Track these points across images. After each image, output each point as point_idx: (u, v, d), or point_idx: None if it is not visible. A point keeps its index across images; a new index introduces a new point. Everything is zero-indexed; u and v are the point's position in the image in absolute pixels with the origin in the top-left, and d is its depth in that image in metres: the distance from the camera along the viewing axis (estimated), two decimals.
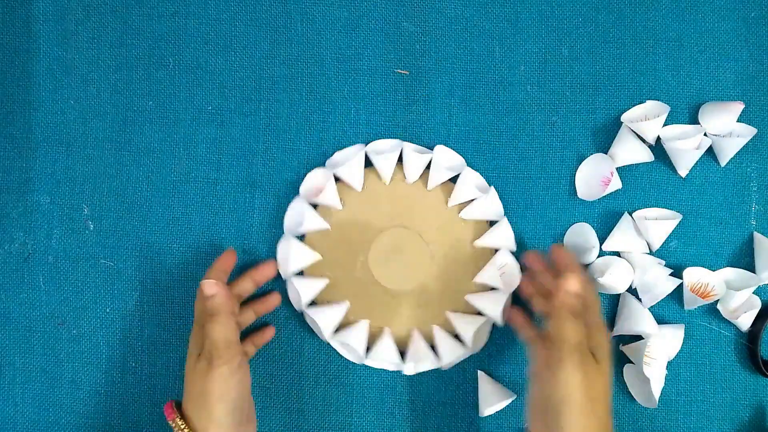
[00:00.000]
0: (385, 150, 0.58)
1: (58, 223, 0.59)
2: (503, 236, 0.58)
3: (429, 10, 0.60)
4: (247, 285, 0.56)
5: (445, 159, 0.58)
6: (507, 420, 0.59)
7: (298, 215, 0.57)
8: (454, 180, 0.59)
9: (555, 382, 0.46)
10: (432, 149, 0.58)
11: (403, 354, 0.57)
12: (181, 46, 0.60)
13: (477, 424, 0.58)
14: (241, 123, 0.60)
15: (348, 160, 0.57)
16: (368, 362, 0.57)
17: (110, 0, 0.60)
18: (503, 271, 0.57)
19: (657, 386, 0.56)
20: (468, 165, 0.59)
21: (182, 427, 0.48)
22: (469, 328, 0.56)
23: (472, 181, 0.58)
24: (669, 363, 0.58)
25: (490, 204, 0.58)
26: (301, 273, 0.58)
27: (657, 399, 0.56)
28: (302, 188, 0.58)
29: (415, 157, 0.57)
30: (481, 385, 0.58)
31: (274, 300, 0.58)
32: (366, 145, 0.59)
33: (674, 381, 0.59)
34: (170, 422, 0.49)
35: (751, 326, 0.58)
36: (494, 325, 0.58)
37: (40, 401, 0.59)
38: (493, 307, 0.56)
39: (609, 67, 0.60)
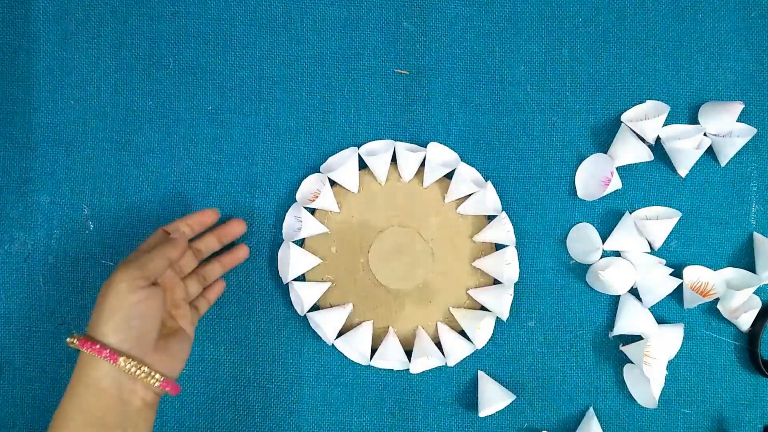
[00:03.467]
0: (378, 150, 0.59)
1: (58, 223, 0.59)
2: (503, 230, 0.58)
3: (429, 10, 0.60)
4: (211, 241, 0.55)
5: (439, 155, 0.58)
6: (507, 420, 0.59)
7: (296, 221, 0.57)
8: (449, 176, 0.59)
9: None
10: (425, 147, 0.58)
11: (408, 353, 0.58)
12: (181, 46, 0.60)
13: (477, 424, 0.58)
14: (241, 123, 0.60)
15: (342, 164, 0.57)
16: (374, 363, 0.57)
17: (110, 0, 0.60)
18: (509, 264, 0.57)
19: (657, 386, 0.56)
20: (468, 165, 0.59)
21: (74, 340, 0.45)
22: (473, 323, 0.56)
23: (467, 176, 0.58)
24: (669, 363, 0.58)
25: (487, 198, 0.58)
26: (302, 278, 0.58)
27: (657, 399, 0.56)
28: (298, 194, 0.58)
29: (409, 155, 0.57)
30: (481, 385, 0.58)
31: (241, 253, 0.57)
32: (359, 147, 0.59)
33: (674, 381, 0.59)
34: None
35: (751, 326, 0.58)
36: (497, 320, 0.58)
37: (40, 401, 0.59)
38: (497, 302, 0.56)
39: (609, 67, 0.60)
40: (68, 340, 0.45)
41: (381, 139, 0.59)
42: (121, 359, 0.43)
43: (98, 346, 0.43)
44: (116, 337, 0.44)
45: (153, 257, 0.47)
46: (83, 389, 0.44)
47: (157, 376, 0.45)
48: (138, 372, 0.44)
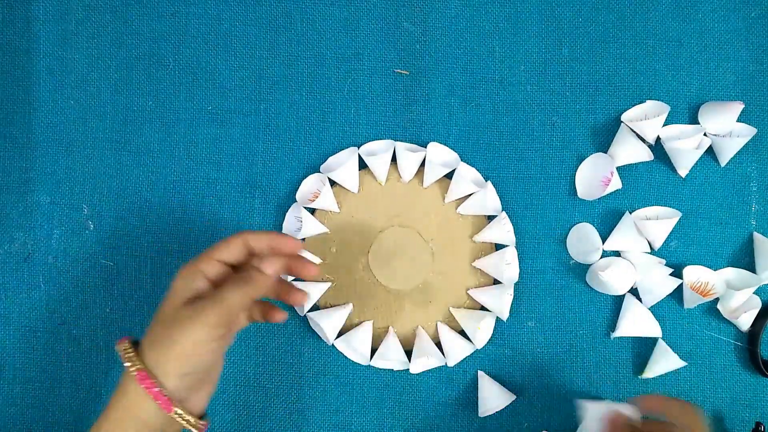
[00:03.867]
0: (378, 151, 0.59)
1: (58, 223, 0.59)
2: (503, 230, 0.58)
3: (429, 10, 0.60)
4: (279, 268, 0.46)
5: (439, 155, 0.58)
6: (507, 420, 0.59)
7: (296, 221, 0.57)
8: (449, 176, 0.59)
9: None
10: (426, 147, 0.58)
11: (408, 353, 0.58)
12: (181, 46, 0.60)
13: (477, 424, 0.58)
14: (241, 123, 0.60)
15: (342, 164, 0.57)
16: (374, 363, 0.57)
17: (110, 0, 0.60)
18: (509, 264, 0.57)
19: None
20: (468, 165, 0.59)
21: (129, 352, 0.40)
22: (473, 323, 0.56)
23: (467, 176, 0.58)
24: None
25: (487, 198, 0.58)
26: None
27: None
28: (298, 195, 0.58)
29: (409, 155, 0.57)
30: (481, 385, 0.58)
31: (298, 297, 0.47)
32: (359, 147, 0.59)
33: (674, 381, 0.59)
34: (118, 346, 0.41)
35: (751, 326, 0.58)
36: (497, 320, 0.58)
37: (40, 401, 0.59)
38: (497, 302, 0.56)
39: (609, 67, 0.60)
40: (124, 351, 0.40)
41: (381, 139, 0.59)
42: (175, 410, 0.40)
43: (157, 390, 0.39)
44: (176, 382, 0.39)
45: (236, 299, 0.40)
46: (129, 419, 0.40)
47: (200, 424, 0.42)
48: (184, 422, 0.41)
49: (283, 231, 0.58)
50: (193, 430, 0.41)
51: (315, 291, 0.57)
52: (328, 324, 0.56)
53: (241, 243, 0.43)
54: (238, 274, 0.42)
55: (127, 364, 0.40)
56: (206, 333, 0.39)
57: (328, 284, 0.58)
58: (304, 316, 0.58)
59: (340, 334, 0.58)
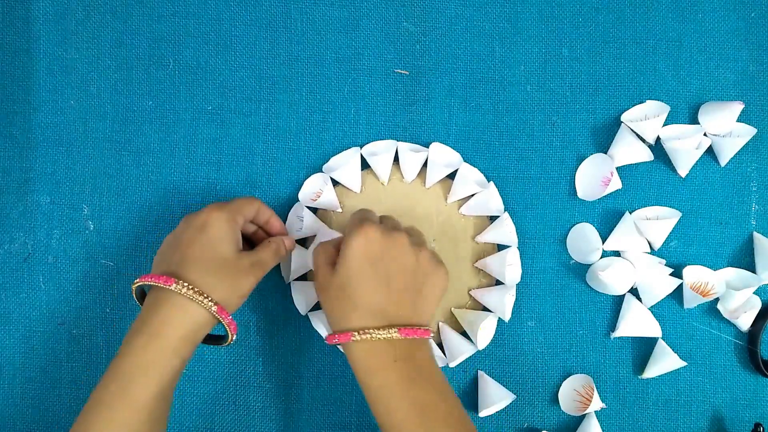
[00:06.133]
0: (380, 151, 0.59)
1: (58, 223, 0.59)
2: (505, 231, 0.58)
3: (429, 10, 0.60)
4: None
5: (442, 156, 0.58)
6: (507, 420, 0.59)
7: (298, 220, 0.57)
8: (452, 176, 0.59)
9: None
10: (427, 147, 0.58)
11: None
12: (181, 46, 0.60)
13: (477, 424, 0.58)
14: (241, 123, 0.60)
15: (344, 164, 0.57)
16: None
17: (110, 0, 0.60)
18: (511, 265, 0.57)
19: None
20: (470, 165, 0.59)
21: (191, 289, 0.46)
22: (475, 324, 0.56)
23: (470, 176, 0.58)
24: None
25: (489, 199, 0.58)
26: (304, 277, 0.58)
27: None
28: (301, 194, 0.58)
29: (411, 155, 0.57)
30: (481, 385, 0.58)
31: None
32: (361, 147, 0.59)
33: (674, 381, 0.59)
34: (178, 285, 0.46)
35: (751, 326, 0.58)
36: (499, 321, 0.58)
37: (40, 401, 0.59)
38: (499, 302, 0.56)
39: (609, 67, 0.60)
40: (191, 290, 0.46)
41: (381, 139, 0.59)
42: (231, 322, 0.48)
43: (230, 318, 0.48)
44: (234, 309, 0.49)
45: (272, 263, 0.52)
46: (174, 331, 0.46)
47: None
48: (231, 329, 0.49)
49: None
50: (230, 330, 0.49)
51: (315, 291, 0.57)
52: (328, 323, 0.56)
53: (256, 209, 0.53)
54: (270, 243, 0.52)
55: (203, 299, 0.46)
56: (255, 283, 0.50)
57: None
58: (305, 315, 0.58)
59: None
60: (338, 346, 0.49)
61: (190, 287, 0.46)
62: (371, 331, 0.45)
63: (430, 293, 0.49)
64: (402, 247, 0.48)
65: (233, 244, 0.49)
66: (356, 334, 0.45)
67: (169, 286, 0.46)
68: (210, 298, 0.46)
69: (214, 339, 0.52)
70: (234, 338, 0.50)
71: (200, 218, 0.49)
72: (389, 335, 0.45)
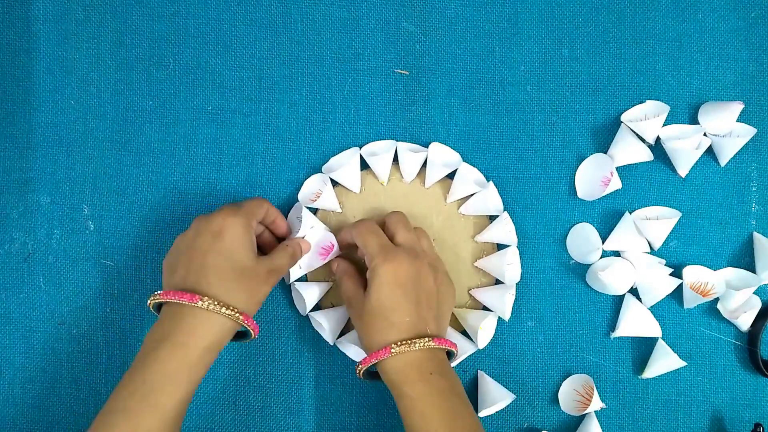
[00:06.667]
0: (379, 151, 0.59)
1: (58, 223, 0.59)
2: (505, 230, 0.58)
3: (429, 10, 0.60)
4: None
5: (441, 156, 0.58)
6: (507, 420, 0.59)
7: (298, 221, 0.57)
8: (451, 176, 0.59)
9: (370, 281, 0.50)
10: (427, 147, 0.58)
11: None
12: (181, 46, 0.60)
13: None
14: (241, 123, 0.60)
15: (344, 164, 0.57)
16: None
17: (110, 0, 0.60)
18: (511, 264, 0.57)
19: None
20: (470, 165, 0.59)
21: (214, 303, 0.46)
22: (475, 323, 0.56)
23: (469, 176, 0.58)
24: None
25: (489, 198, 0.58)
26: (304, 278, 0.58)
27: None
28: (300, 194, 0.58)
29: (411, 156, 0.57)
30: (481, 385, 0.58)
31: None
32: (360, 147, 0.59)
33: (674, 381, 0.59)
34: (202, 302, 0.46)
35: (751, 326, 0.58)
36: (499, 321, 0.58)
37: (40, 401, 0.59)
38: (499, 302, 0.56)
39: (609, 67, 0.60)
40: (216, 304, 0.47)
41: (381, 139, 0.59)
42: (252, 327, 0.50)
43: (255, 324, 0.50)
44: (254, 312, 0.50)
45: (287, 268, 0.54)
46: (200, 342, 0.47)
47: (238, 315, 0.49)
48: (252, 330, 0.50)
49: None
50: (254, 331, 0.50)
51: (317, 291, 0.57)
52: (329, 324, 0.56)
53: (266, 210, 0.54)
54: (285, 248, 0.53)
55: (229, 312, 0.47)
56: (270, 288, 0.51)
57: (330, 284, 0.58)
58: (306, 315, 0.58)
59: (341, 334, 0.57)
60: (373, 365, 0.50)
61: (216, 302, 0.46)
62: (409, 342, 0.48)
63: (446, 310, 0.53)
64: (425, 272, 0.51)
65: (250, 250, 0.50)
66: (394, 346, 0.48)
67: (195, 303, 0.46)
68: (235, 309, 0.47)
69: (237, 336, 0.52)
70: (256, 336, 0.51)
71: (215, 224, 0.49)
72: (426, 345, 0.48)
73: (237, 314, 0.47)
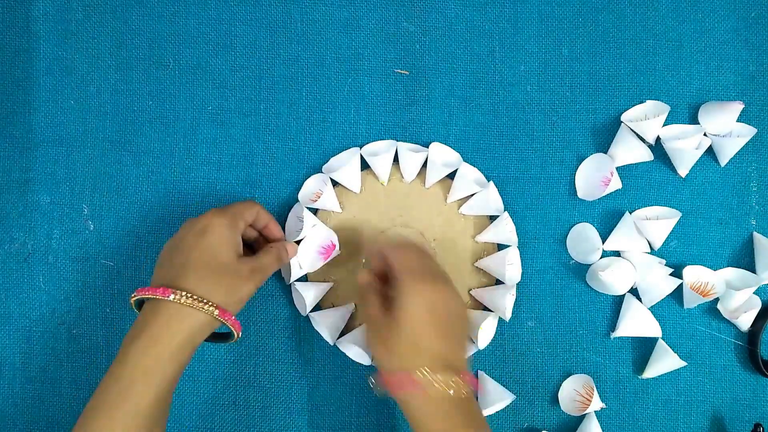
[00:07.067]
0: (380, 151, 0.59)
1: (58, 223, 0.59)
2: (505, 230, 0.58)
3: (429, 10, 0.60)
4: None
5: (441, 156, 0.58)
6: (507, 420, 0.59)
7: (298, 221, 0.57)
8: (451, 176, 0.59)
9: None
10: (427, 147, 0.58)
11: None
12: (181, 46, 0.60)
13: None
14: (241, 123, 0.60)
15: (344, 164, 0.57)
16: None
17: (110, 0, 0.60)
18: (511, 264, 0.57)
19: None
20: (470, 165, 0.59)
21: (191, 297, 0.46)
22: (475, 324, 0.56)
23: (469, 176, 0.58)
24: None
25: (489, 198, 0.57)
26: (304, 278, 0.58)
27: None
28: (301, 194, 0.58)
29: (411, 155, 0.57)
30: (481, 386, 0.58)
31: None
32: (360, 147, 0.59)
33: (674, 381, 0.59)
34: (177, 296, 0.46)
35: (751, 326, 0.58)
36: (499, 321, 0.58)
37: (40, 401, 0.59)
38: (499, 302, 0.56)
39: (609, 67, 0.60)
40: (192, 299, 0.47)
41: (381, 139, 0.59)
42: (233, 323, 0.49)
43: (233, 319, 0.49)
44: (236, 311, 0.50)
45: (273, 269, 0.53)
46: (173, 335, 0.46)
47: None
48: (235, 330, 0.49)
49: (286, 231, 0.58)
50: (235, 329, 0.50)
51: (317, 291, 0.57)
52: (329, 324, 0.56)
53: (256, 213, 0.54)
54: (271, 249, 0.53)
55: (202, 305, 0.47)
56: (254, 289, 0.51)
57: (330, 284, 0.58)
58: (306, 315, 0.58)
59: (341, 334, 0.57)
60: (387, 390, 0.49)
61: (189, 295, 0.46)
62: (437, 379, 0.46)
63: (467, 335, 0.52)
64: (452, 296, 0.49)
65: (233, 249, 0.50)
66: (420, 375, 0.46)
67: (167, 297, 0.46)
68: (210, 303, 0.47)
69: (219, 337, 0.52)
70: (239, 335, 0.50)
71: (200, 223, 0.50)
72: (452, 385, 0.46)
73: (212, 308, 0.47)
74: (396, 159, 0.59)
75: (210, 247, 0.49)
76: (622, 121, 0.59)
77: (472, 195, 0.58)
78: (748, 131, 0.58)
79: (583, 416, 0.58)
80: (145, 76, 0.60)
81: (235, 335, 0.50)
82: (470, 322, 0.53)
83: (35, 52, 0.60)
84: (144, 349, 0.46)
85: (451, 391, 0.46)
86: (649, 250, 0.58)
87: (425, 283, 0.48)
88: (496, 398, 0.57)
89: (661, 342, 0.58)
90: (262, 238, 0.56)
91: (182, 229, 0.51)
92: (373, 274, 0.53)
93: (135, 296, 0.48)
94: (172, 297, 0.46)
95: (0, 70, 0.60)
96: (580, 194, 0.59)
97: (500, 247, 0.59)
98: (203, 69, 0.60)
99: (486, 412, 0.56)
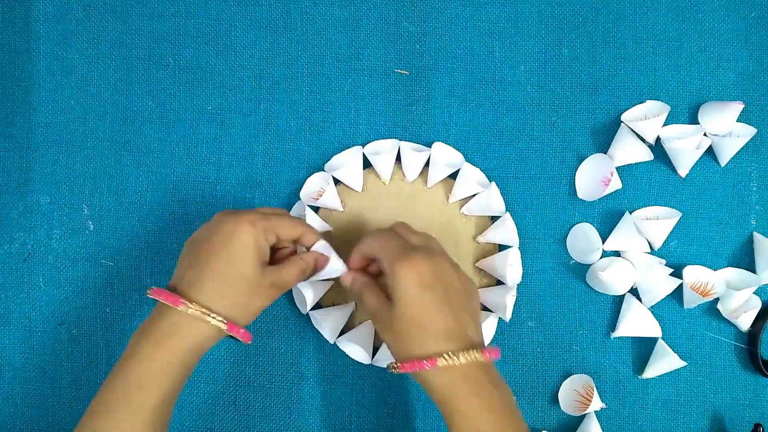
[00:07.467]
0: (382, 150, 0.59)
1: (58, 223, 0.59)
2: (506, 231, 0.58)
3: (429, 10, 0.60)
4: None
5: (444, 155, 0.58)
6: None
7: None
8: (453, 176, 0.59)
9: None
10: (430, 147, 0.58)
11: None
12: (181, 46, 0.60)
13: None
14: (241, 123, 0.60)
15: (346, 162, 0.57)
16: (375, 362, 0.57)
17: (110, 0, 0.60)
18: (512, 265, 0.57)
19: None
20: (472, 165, 0.59)
21: (198, 307, 0.46)
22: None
23: (471, 176, 0.58)
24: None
25: (491, 199, 0.57)
26: None
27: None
28: (302, 192, 0.58)
29: (413, 155, 0.57)
30: None
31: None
32: (363, 146, 0.59)
33: (674, 381, 0.59)
34: (183, 307, 0.45)
35: (751, 326, 0.58)
36: (500, 321, 0.58)
37: (40, 401, 0.59)
38: (500, 302, 0.56)
39: (609, 67, 0.60)
40: (202, 311, 0.46)
41: (381, 139, 0.59)
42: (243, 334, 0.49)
43: (243, 331, 0.48)
44: (248, 323, 0.49)
45: (295, 282, 0.51)
46: (179, 347, 0.46)
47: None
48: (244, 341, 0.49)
49: None
50: (244, 341, 0.49)
51: (317, 289, 0.57)
52: (329, 323, 0.56)
53: (299, 234, 0.51)
54: (298, 261, 0.51)
55: (212, 319, 0.46)
56: (270, 302, 0.50)
57: (331, 283, 0.58)
58: (306, 314, 0.58)
59: (341, 333, 0.57)
60: (408, 373, 0.47)
61: (198, 308, 0.45)
62: (454, 354, 0.44)
63: (477, 306, 0.50)
64: (448, 268, 0.47)
65: (258, 260, 0.48)
66: (440, 360, 0.44)
67: (177, 307, 0.45)
68: (220, 318, 0.46)
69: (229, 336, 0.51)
70: (251, 340, 0.50)
71: (230, 226, 0.47)
72: (474, 358, 0.45)
73: (221, 323, 0.46)
74: (398, 158, 0.59)
75: (233, 256, 0.47)
76: (622, 121, 0.59)
77: (474, 195, 0.58)
78: (748, 131, 0.58)
79: (583, 416, 0.58)
80: (145, 76, 0.60)
81: (244, 343, 0.49)
82: (475, 291, 0.49)
83: (35, 52, 0.60)
84: (151, 352, 0.45)
85: (471, 359, 0.44)
86: (649, 250, 0.58)
87: (409, 260, 0.46)
88: None
89: (661, 342, 0.58)
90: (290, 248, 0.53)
91: (209, 227, 0.49)
92: (361, 272, 0.51)
93: (150, 294, 0.47)
94: (181, 308, 0.45)
95: (0, 70, 0.60)
96: (580, 194, 0.59)
97: (501, 247, 0.59)
98: (203, 69, 0.60)
99: None
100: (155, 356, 0.45)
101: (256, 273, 0.47)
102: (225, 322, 0.46)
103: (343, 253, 0.58)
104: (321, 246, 0.52)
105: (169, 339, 0.46)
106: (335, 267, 0.52)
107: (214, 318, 0.46)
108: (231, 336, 0.49)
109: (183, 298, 0.46)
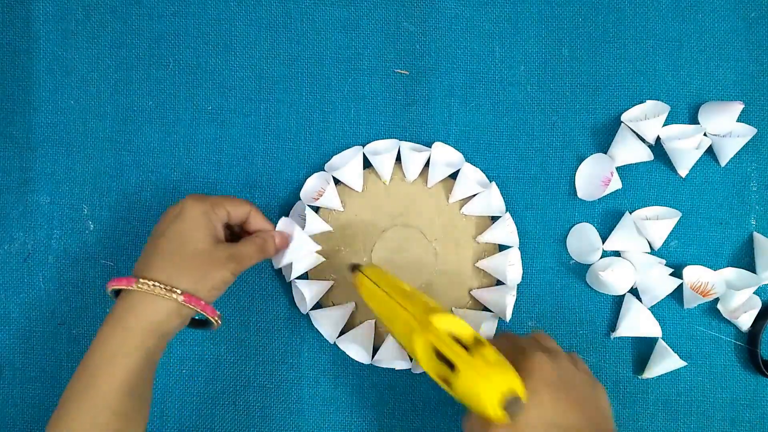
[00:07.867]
0: (382, 150, 0.59)
1: (58, 223, 0.59)
2: (506, 231, 0.58)
3: (429, 10, 0.60)
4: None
5: (444, 155, 0.58)
6: None
7: (300, 219, 0.57)
8: (453, 176, 0.59)
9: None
10: (430, 147, 0.58)
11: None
12: (181, 46, 0.60)
13: None
14: (241, 123, 0.60)
15: (346, 162, 0.57)
16: (376, 362, 0.57)
17: (110, 0, 0.60)
18: (512, 265, 0.57)
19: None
20: (472, 165, 0.59)
21: (154, 284, 0.46)
22: (475, 324, 0.56)
23: (472, 176, 0.58)
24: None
25: (491, 199, 0.57)
26: (305, 276, 0.58)
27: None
28: (302, 192, 0.58)
29: (414, 155, 0.57)
30: None
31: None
32: (363, 146, 0.59)
33: (674, 381, 0.59)
34: (139, 284, 0.46)
35: (751, 326, 0.58)
36: (499, 321, 0.58)
37: (40, 401, 0.59)
38: (500, 303, 0.56)
39: (609, 67, 0.60)
40: (156, 287, 0.46)
41: (381, 139, 0.59)
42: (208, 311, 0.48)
43: (203, 303, 0.47)
44: (208, 297, 0.48)
45: (254, 260, 0.51)
46: (144, 326, 0.46)
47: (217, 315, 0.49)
48: (213, 319, 0.49)
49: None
50: (214, 318, 0.49)
51: (317, 289, 0.57)
52: (329, 323, 0.56)
53: (247, 212, 0.52)
54: (254, 238, 0.52)
55: (165, 292, 0.46)
56: (230, 276, 0.49)
57: (331, 282, 0.58)
58: (306, 314, 0.58)
59: (341, 333, 0.57)
60: None
61: (152, 283, 0.46)
62: None
63: (607, 409, 0.45)
64: (571, 368, 0.45)
65: (209, 234, 0.48)
66: None
67: (131, 286, 0.46)
68: (174, 290, 0.46)
69: (201, 324, 0.51)
70: (219, 323, 0.49)
71: (176, 209, 0.49)
72: None
73: (177, 295, 0.46)
74: (398, 158, 0.59)
75: (181, 233, 0.48)
76: (622, 121, 0.59)
77: (474, 195, 0.58)
78: (748, 131, 0.58)
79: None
80: (145, 76, 0.60)
81: (214, 323, 0.49)
82: (604, 393, 0.45)
83: (35, 52, 0.60)
84: (108, 335, 0.45)
85: None
86: (649, 250, 0.58)
87: (538, 366, 0.43)
88: None
89: (661, 342, 0.58)
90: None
91: (162, 215, 0.50)
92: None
93: (108, 287, 0.47)
94: (134, 286, 0.46)
95: (0, 70, 0.60)
96: (580, 194, 0.59)
97: (501, 247, 0.59)
98: (203, 69, 0.60)
99: None
100: (112, 338, 0.45)
101: (208, 245, 0.48)
102: (184, 294, 0.46)
103: (344, 252, 0.58)
104: (284, 223, 0.54)
105: (124, 320, 0.46)
106: (302, 244, 0.54)
107: (169, 291, 0.46)
108: (199, 320, 0.49)
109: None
